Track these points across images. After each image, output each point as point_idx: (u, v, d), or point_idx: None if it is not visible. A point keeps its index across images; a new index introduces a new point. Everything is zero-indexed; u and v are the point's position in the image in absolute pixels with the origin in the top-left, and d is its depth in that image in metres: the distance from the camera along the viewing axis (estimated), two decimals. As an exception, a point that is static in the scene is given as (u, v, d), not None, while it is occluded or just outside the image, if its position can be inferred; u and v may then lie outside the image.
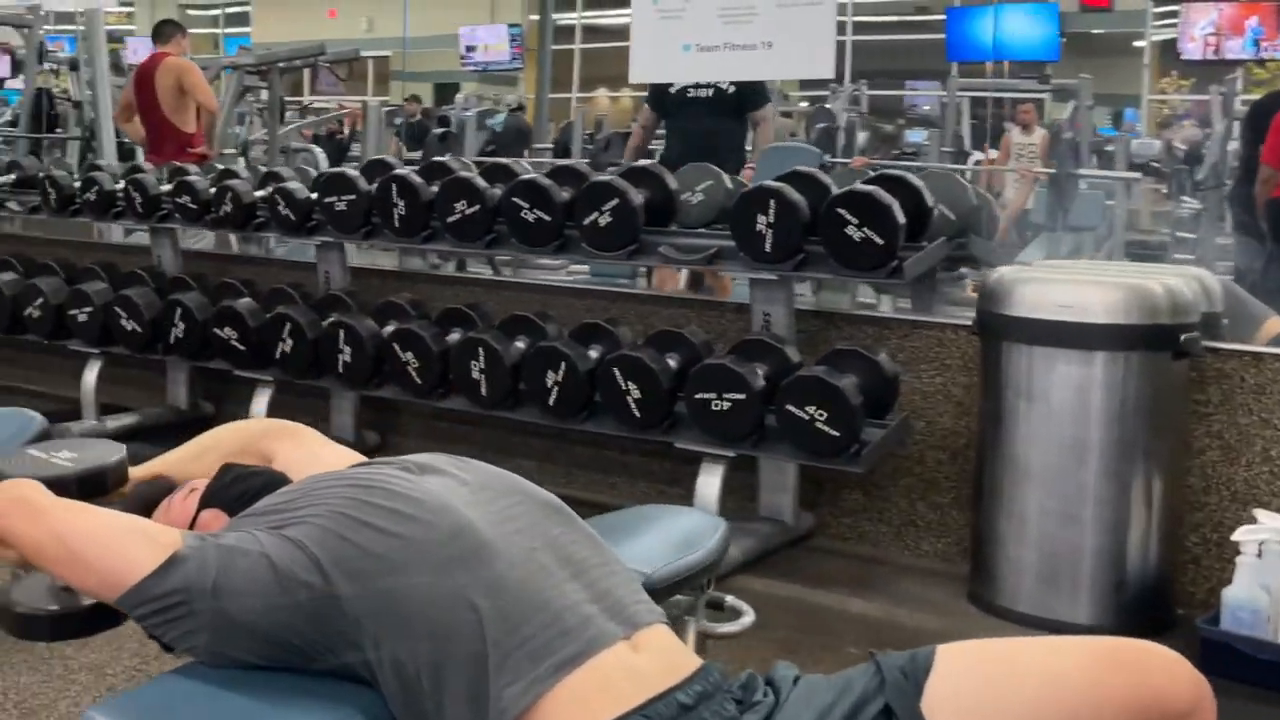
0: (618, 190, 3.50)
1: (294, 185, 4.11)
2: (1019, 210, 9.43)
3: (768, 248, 3.30)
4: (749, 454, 3.34)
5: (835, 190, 3.29)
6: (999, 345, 3.14)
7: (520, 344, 3.64)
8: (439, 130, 13.22)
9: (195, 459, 1.86)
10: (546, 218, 3.61)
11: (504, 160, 4.03)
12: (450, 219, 3.77)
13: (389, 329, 3.79)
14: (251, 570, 1.41)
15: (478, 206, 3.72)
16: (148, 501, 1.72)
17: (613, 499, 3.95)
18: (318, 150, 12.04)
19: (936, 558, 3.57)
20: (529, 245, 3.69)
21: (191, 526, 1.63)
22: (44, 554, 1.47)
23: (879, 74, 13.99)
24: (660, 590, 1.92)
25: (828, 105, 11.58)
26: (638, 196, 3.53)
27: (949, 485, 3.56)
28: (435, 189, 3.82)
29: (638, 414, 3.37)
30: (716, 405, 3.24)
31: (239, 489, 1.66)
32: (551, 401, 3.50)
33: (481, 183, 3.75)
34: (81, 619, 1.58)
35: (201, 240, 5.41)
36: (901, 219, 3.17)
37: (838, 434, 3.11)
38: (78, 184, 4.72)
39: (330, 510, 1.45)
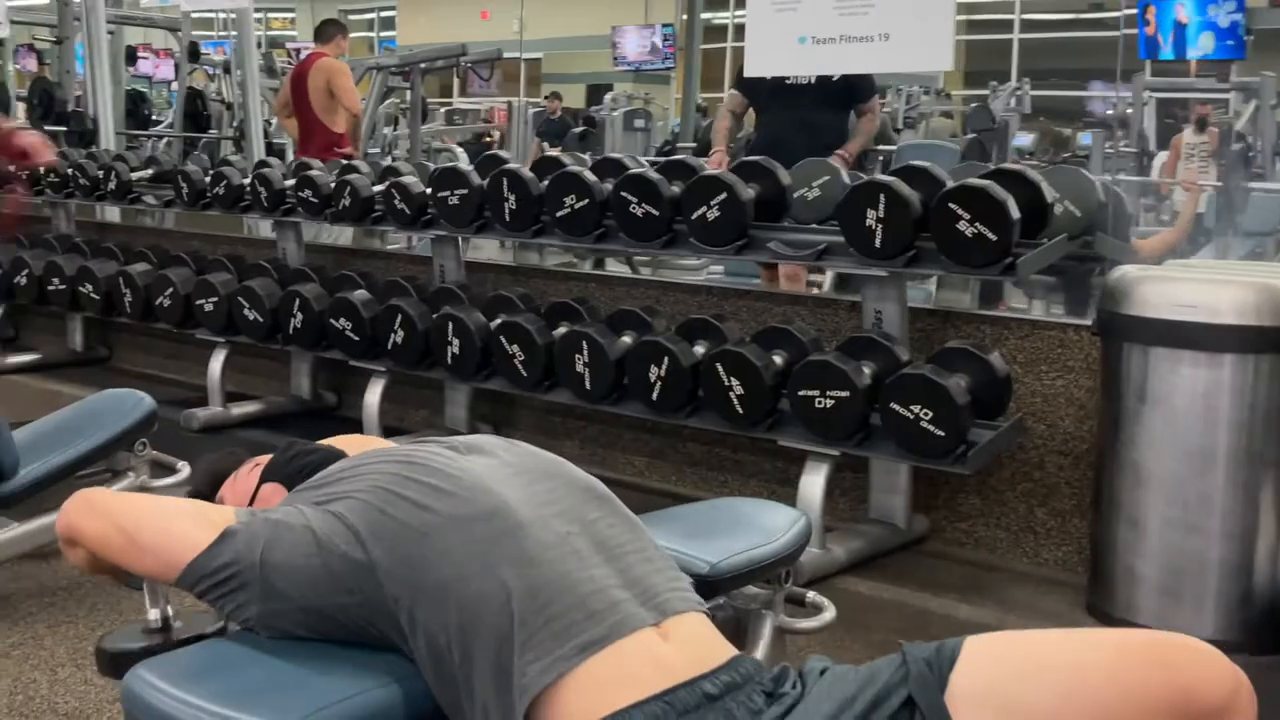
0: (726, 185, 3.49)
1: (409, 180, 4.20)
2: (1190, 220, 8.96)
3: (877, 243, 3.25)
4: (853, 453, 3.30)
5: (949, 185, 3.22)
6: (1119, 346, 3.04)
7: (627, 339, 3.66)
8: (579, 129, 13.36)
9: None
10: (655, 212, 3.61)
11: (616, 155, 4.04)
12: (560, 213, 3.80)
13: (496, 322, 3.84)
14: (296, 543, 1.47)
15: (587, 201, 3.75)
16: (216, 475, 1.80)
17: (723, 497, 3.95)
18: (458, 150, 12.30)
19: (1057, 566, 3.48)
20: (637, 240, 3.70)
21: (253, 500, 1.70)
22: (109, 546, 1.55)
23: (1052, 73, 13.59)
24: (725, 581, 1.93)
25: (989, 104, 11.32)
26: (747, 191, 3.52)
27: (1070, 491, 3.46)
28: (545, 184, 3.86)
29: (740, 410, 3.35)
30: (820, 402, 3.20)
31: (298, 464, 1.72)
32: (654, 396, 3.50)
33: (591, 177, 3.78)
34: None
35: (340, 235, 5.56)
36: (1015, 214, 3.09)
37: (943, 434, 3.05)
38: (208, 179, 4.90)
39: (372, 485, 1.50)
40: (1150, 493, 2.96)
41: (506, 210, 3.93)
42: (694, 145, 12.44)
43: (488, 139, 14.86)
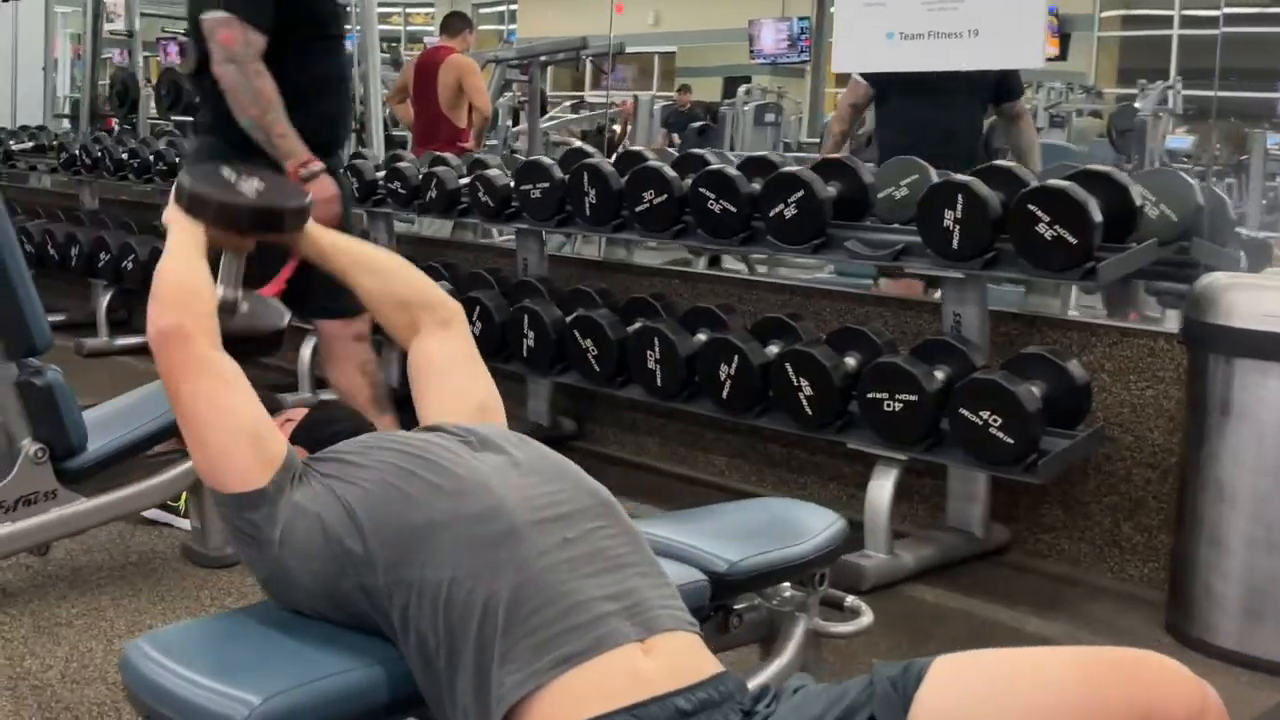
0: (803, 182, 3.47)
1: (493, 173, 4.26)
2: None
3: (955, 244, 3.20)
4: (921, 459, 3.26)
5: (1030, 185, 3.17)
6: (1204, 356, 2.96)
7: (700, 336, 3.67)
8: (698, 124, 13.31)
9: (371, 273, 1.96)
10: (733, 209, 3.61)
11: (698, 151, 4.04)
12: (639, 208, 3.83)
13: (571, 316, 3.88)
14: (309, 532, 1.52)
15: (665, 196, 3.76)
16: None
17: (802, 500, 3.93)
18: (578, 145, 12.35)
19: (1142, 583, 3.39)
20: (715, 237, 3.70)
21: None
22: (181, 409, 1.63)
23: (1237, 72, 13.02)
24: (744, 581, 1.94)
25: (1136, 104, 10.93)
26: (825, 189, 3.49)
27: (1158, 506, 3.37)
28: (625, 179, 3.89)
29: (809, 411, 3.34)
30: (888, 405, 3.17)
31: (329, 431, 1.77)
32: (725, 395, 3.51)
33: (670, 173, 3.79)
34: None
35: (437, 228, 5.65)
36: (1098, 217, 3.02)
37: (1012, 442, 3.00)
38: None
39: (379, 477, 1.54)
40: (1233, 510, 2.88)
41: (587, 204, 3.97)
42: (816, 140, 12.36)
43: (611, 133, 14.91)
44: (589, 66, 15.06)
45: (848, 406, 3.33)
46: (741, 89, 14.33)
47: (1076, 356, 3.36)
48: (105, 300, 5.90)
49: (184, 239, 1.80)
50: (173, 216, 1.84)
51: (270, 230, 1.89)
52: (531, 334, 3.94)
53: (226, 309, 1.86)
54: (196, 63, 3.22)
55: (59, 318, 6.52)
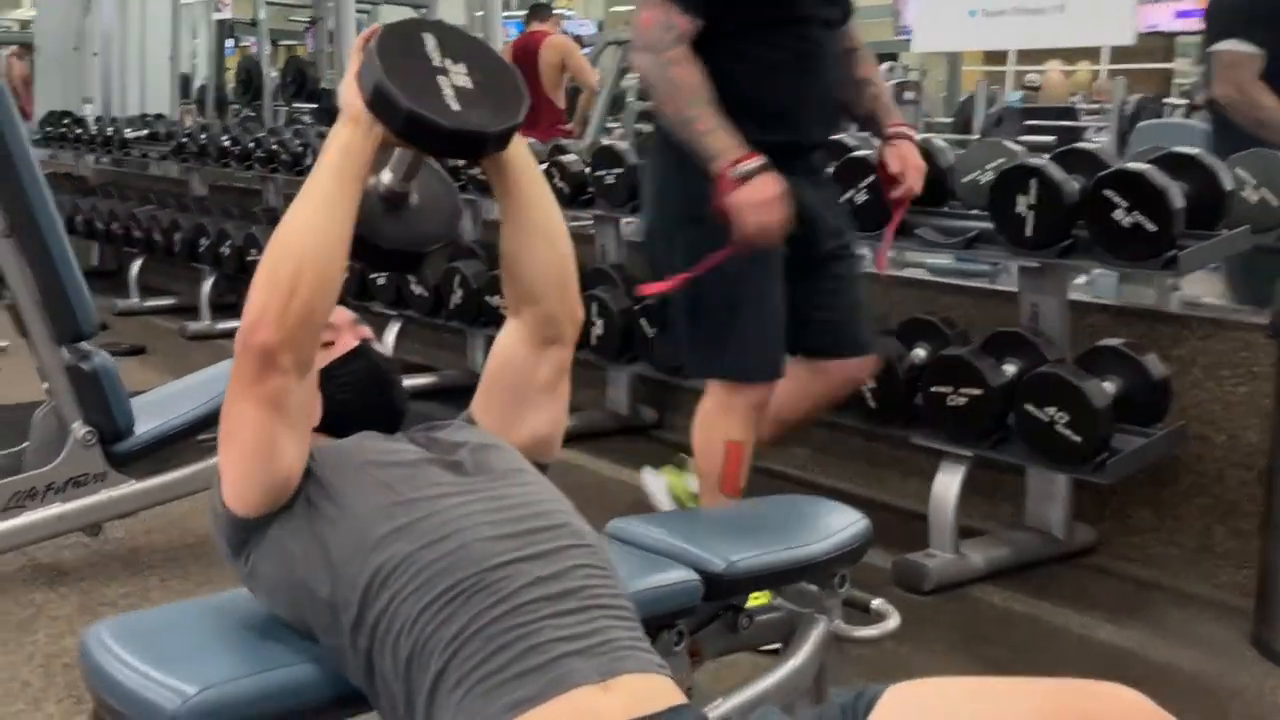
0: (872, 166, 3.39)
1: (569, 159, 4.26)
2: None
3: (1029, 232, 3.09)
4: (987, 455, 3.16)
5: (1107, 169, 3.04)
6: (1293, 351, 2.82)
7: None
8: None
9: (547, 242, 1.68)
10: (805, 194, 3.54)
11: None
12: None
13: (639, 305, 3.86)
14: (277, 569, 1.49)
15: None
16: None
17: (880, 494, 3.86)
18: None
19: (1234, 590, 3.23)
20: (788, 222, 3.64)
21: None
22: (229, 417, 1.48)
23: None
24: (742, 581, 1.89)
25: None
26: (897, 173, 3.40)
27: (1252, 509, 3.21)
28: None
29: (874, 405, 3.26)
30: (952, 400, 3.09)
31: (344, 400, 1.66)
32: (792, 387, 3.44)
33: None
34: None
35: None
36: (1179, 203, 2.88)
37: (1079, 440, 2.89)
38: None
39: (360, 516, 1.45)
40: (1323, 517, 2.73)
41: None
42: (951, 121, 12.07)
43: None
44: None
45: (913, 400, 3.25)
46: (884, 66, 14.05)
47: (1165, 351, 3.22)
48: (208, 284, 6.07)
49: (344, 163, 1.48)
50: (347, 103, 1.50)
51: (467, 155, 1.60)
52: (599, 322, 3.93)
53: (392, 199, 1.60)
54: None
55: (169, 301, 6.77)
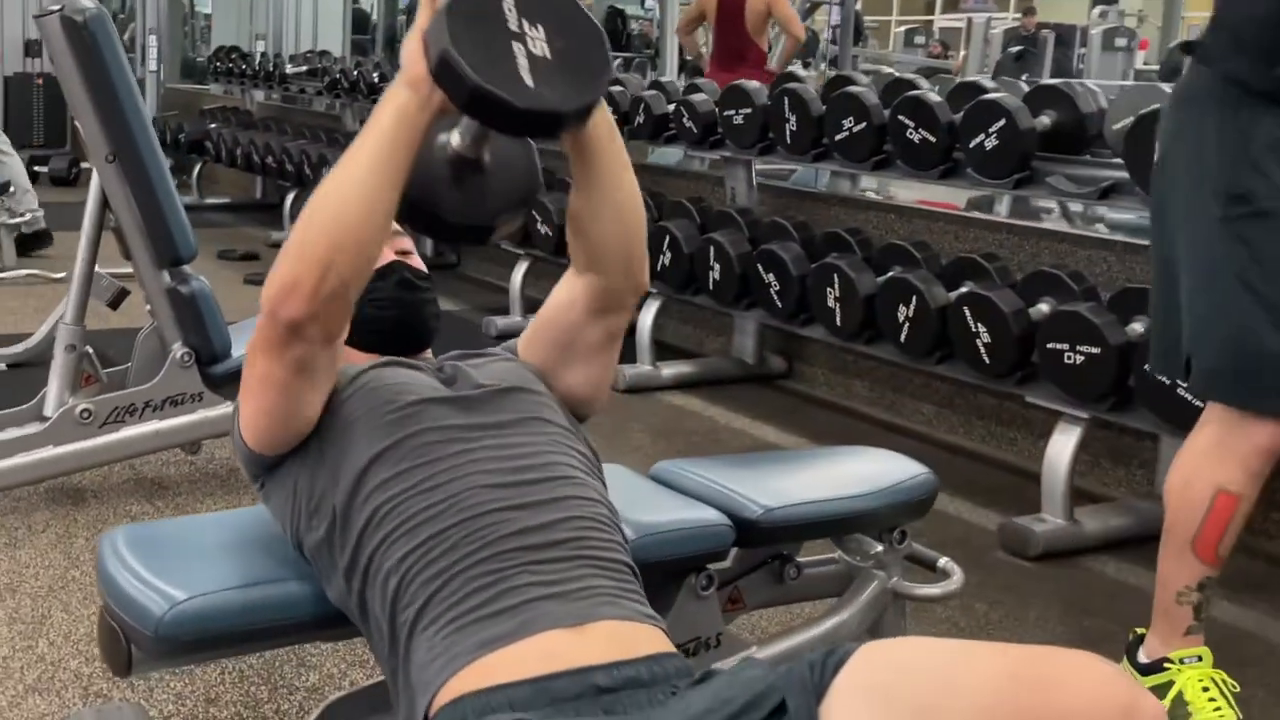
0: (1005, 110, 3.27)
1: (698, 98, 4.23)
2: None
3: (1164, 180, 2.94)
4: (1104, 418, 3.03)
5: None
6: None
7: (894, 273, 3.52)
8: (1015, 48, 12.66)
9: (617, 216, 1.57)
10: (931, 138, 3.44)
11: (909, 76, 3.87)
12: (839, 136, 3.71)
13: (758, 249, 3.82)
14: (284, 502, 1.53)
15: (865, 124, 3.63)
16: None
17: (1009, 455, 3.76)
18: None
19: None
20: (915, 167, 3.54)
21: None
22: (250, 375, 1.48)
23: None
24: (779, 528, 1.86)
25: None
26: (1029, 119, 3.28)
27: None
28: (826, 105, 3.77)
29: (987, 359, 3.16)
30: (1069, 358, 2.97)
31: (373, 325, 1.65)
32: (903, 338, 3.37)
33: (872, 99, 3.65)
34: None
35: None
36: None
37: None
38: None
39: (360, 459, 1.45)
40: None
41: (788, 131, 3.87)
42: (1156, 68, 11.47)
43: (940, 55, 14.32)
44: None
45: (1029, 357, 3.14)
46: (1095, 10, 13.41)
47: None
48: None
49: (397, 129, 1.37)
50: (409, 64, 1.37)
51: (540, 134, 1.44)
52: (717, 266, 3.90)
53: (460, 164, 1.49)
54: None
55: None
